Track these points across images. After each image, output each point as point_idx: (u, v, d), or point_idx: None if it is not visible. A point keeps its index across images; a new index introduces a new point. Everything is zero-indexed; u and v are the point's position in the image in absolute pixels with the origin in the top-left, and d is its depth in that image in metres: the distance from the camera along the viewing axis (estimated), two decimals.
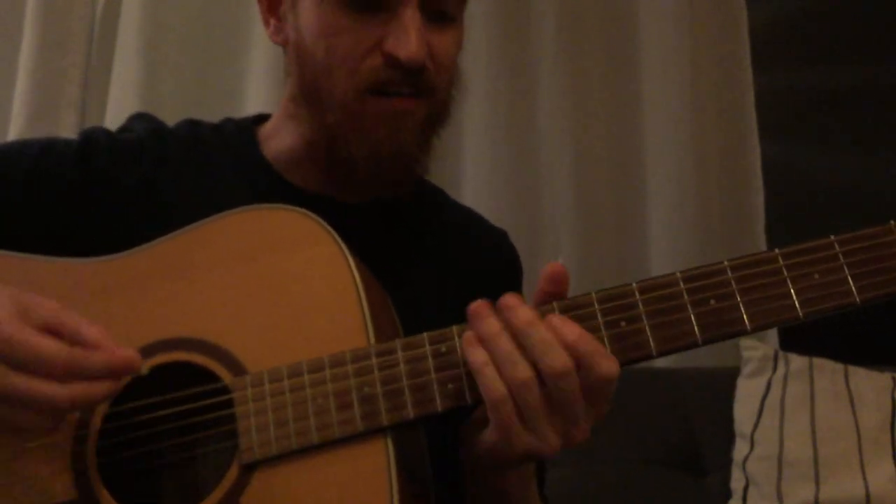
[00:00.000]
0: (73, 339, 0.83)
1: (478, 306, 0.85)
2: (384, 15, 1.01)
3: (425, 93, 1.04)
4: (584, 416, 0.83)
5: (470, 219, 1.25)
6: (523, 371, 0.81)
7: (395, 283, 1.01)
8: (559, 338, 0.81)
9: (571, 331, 0.82)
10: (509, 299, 0.85)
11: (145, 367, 0.87)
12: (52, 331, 0.83)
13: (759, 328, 0.83)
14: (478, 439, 0.88)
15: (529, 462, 0.92)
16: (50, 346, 0.81)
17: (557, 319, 0.83)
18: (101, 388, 0.82)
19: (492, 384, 0.82)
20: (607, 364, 0.82)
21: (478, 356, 0.83)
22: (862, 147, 2.37)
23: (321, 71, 1.03)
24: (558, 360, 0.81)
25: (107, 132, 1.14)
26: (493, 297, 1.14)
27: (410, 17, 1.00)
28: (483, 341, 0.83)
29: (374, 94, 1.02)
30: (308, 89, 1.06)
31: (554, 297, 0.86)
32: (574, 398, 0.82)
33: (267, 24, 1.13)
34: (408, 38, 0.99)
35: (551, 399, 0.82)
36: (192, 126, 1.17)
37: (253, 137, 1.16)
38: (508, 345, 0.82)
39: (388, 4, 1.00)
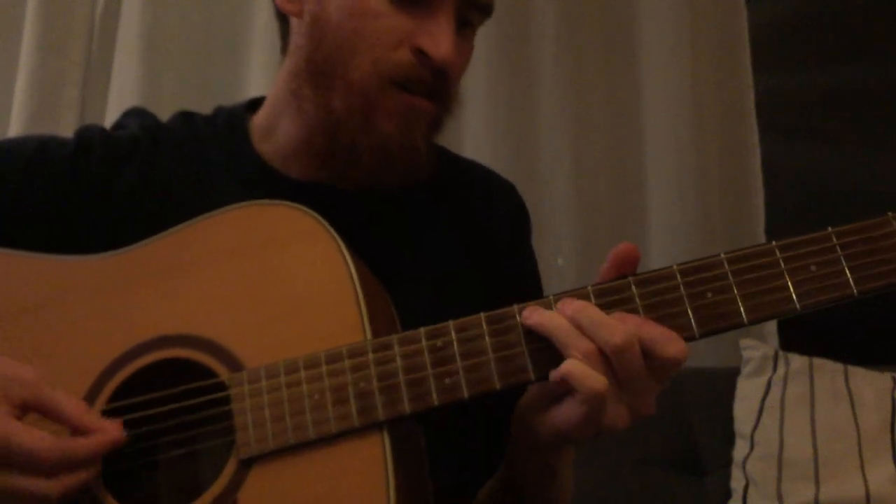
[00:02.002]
0: (54, 419, 0.85)
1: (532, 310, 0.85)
2: (421, 11, 1.01)
3: (439, 97, 1.04)
4: (652, 391, 0.84)
5: (475, 174, 1.23)
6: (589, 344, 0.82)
7: (395, 271, 1.00)
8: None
9: (632, 321, 0.83)
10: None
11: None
12: (31, 408, 0.85)
13: (756, 321, 0.83)
14: (545, 419, 0.88)
15: (596, 438, 0.91)
16: (41, 447, 0.82)
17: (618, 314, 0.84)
18: (89, 473, 0.85)
19: (588, 375, 0.82)
20: (675, 348, 0.82)
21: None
22: (862, 147, 2.37)
23: (342, 51, 1.01)
24: (616, 335, 0.81)
25: (101, 130, 1.14)
26: (503, 253, 1.15)
27: (447, 20, 1.00)
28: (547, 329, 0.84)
29: (395, 86, 1.01)
30: (319, 66, 1.04)
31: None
32: (639, 374, 0.82)
33: None
34: (444, 38, 1.00)
35: (617, 376, 0.82)
36: (185, 119, 1.17)
37: (244, 129, 1.14)
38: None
39: (428, 1, 1.00)
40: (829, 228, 0.83)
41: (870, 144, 2.37)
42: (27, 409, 0.85)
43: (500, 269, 1.12)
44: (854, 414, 1.94)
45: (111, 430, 0.86)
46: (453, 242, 1.14)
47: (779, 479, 1.91)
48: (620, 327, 0.82)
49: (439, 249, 1.13)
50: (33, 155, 1.08)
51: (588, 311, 0.83)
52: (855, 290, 0.81)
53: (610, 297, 0.85)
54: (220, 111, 1.18)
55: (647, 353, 0.82)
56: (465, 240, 1.14)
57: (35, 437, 0.82)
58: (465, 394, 0.84)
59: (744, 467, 1.96)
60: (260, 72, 2.29)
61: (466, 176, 1.21)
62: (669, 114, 2.33)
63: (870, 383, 1.98)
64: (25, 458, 0.82)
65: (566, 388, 0.83)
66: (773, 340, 2.23)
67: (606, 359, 0.82)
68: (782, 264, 0.83)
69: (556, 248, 2.32)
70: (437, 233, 1.14)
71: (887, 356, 2.08)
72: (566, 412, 0.85)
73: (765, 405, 1.99)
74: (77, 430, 0.85)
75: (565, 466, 0.99)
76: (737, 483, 1.97)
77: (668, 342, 0.82)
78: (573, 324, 0.83)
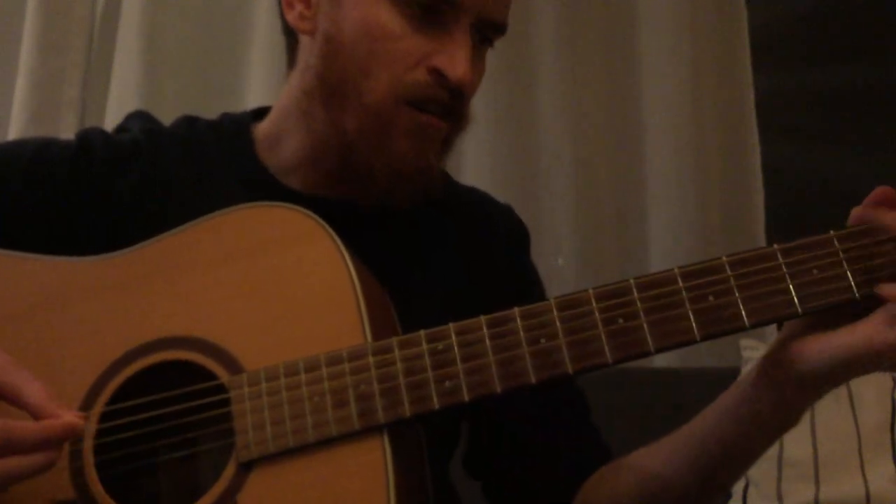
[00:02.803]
0: (14, 403, 0.82)
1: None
2: (437, 31, 1.00)
3: (453, 117, 1.04)
4: None
5: (474, 199, 1.23)
6: None
7: (398, 281, 1.00)
8: None
9: None
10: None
11: (91, 423, 0.87)
12: None
13: (757, 324, 0.83)
14: (825, 345, 0.83)
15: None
16: None
17: None
18: (36, 460, 0.80)
19: None
20: None
21: None
22: (862, 147, 2.36)
23: (357, 72, 1.01)
24: None
25: (103, 133, 1.14)
26: (506, 273, 1.15)
27: (464, 39, 1.00)
28: None
29: (409, 106, 1.01)
30: (332, 86, 1.03)
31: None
32: None
33: (290, 7, 1.08)
34: (461, 58, 0.99)
35: None
36: (188, 124, 1.17)
37: (248, 136, 1.14)
38: None
39: (443, 21, 1.00)
40: (832, 231, 0.83)
41: (870, 144, 2.36)
42: None
43: (502, 290, 1.12)
44: (854, 414, 1.94)
45: (66, 419, 0.81)
46: (459, 262, 1.14)
47: (779, 479, 1.90)
48: None
49: (446, 267, 1.13)
50: (33, 157, 1.08)
51: None
52: (857, 294, 0.81)
53: (611, 301, 0.85)
54: (224, 117, 1.18)
55: None
56: (470, 260, 1.14)
57: None
58: (466, 397, 0.84)
59: None
60: (260, 72, 2.30)
61: (467, 200, 1.22)
62: (669, 114, 2.33)
63: (870, 383, 1.98)
64: None
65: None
66: (774, 340, 2.23)
67: None
68: (784, 268, 0.83)
69: (556, 248, 2.32)
70: (443, 251, 1.14)
71: None
72: (869, 333, 0.80)
73: None
74: (35, 416, 0.81)
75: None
76: (737, 483, 1.97)
77: None
78: None
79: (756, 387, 0.90)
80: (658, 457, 1.02)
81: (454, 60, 0.99)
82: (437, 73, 1.00)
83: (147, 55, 2.31)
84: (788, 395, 0.89)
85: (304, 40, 1.08)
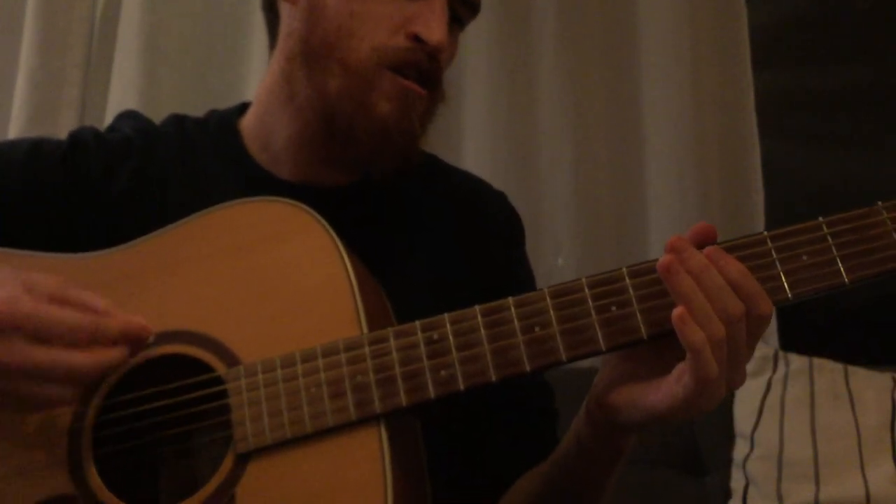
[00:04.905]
0: (82, 309, 0.85)
1: (670, 262, 0.81)
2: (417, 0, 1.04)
3: (432, 86, 1.06)
4: (746, 359, 0.83)
5: (467, 183, 1.24)
6: (718, 324, 0.80)
7: (390, 266, 1.01)
8: (726, 278, 0.80)
9: (735, 268, 0.81)
10: (679, 242, 0.82)
11: (152, 337, 0.90)
12: (58, 302, 0.85)
13: None
14: (638, 399, 0.85)
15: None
16: (73, 315, 0.83)
17: (722, 258, 0.81)
18: (120, 351, 0.86)
19: (708, 359, 0.79)
20: (765, 305, 0.81)
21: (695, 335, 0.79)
22: (862, 147, 2.37)
23: (340, 34, 1.04)
24: (735, 305, 0.80)
25: (95, 132, 1.15)
26: (497, 259, 1.16)
27: (441, 7, 1.04)
28: (686, 299, 0.80)
29: (390, 70, 1.04)
30: (316, 49, 1.06)
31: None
32: (744, 342, 0.81)
33: None
34: (439, 24, 1.03)
35: (728, 347, 0.80)
36: (177, 122, 1.18)
37: (235, 131, 1.15)
38: (704, 299, 0.80)
39: None
40: (820, 218, 0.83)
41: (870, 144, 2.36)
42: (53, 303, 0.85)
43: (495, 276, 1.13)
44: (854, 414, 1.93)
45: (141, 320, 0.88)
46: (450, 247, 1.14)
47: (779, 479, 1.90)
48: (735, 297, 0.80)
49: (436, 252, 1.14)
50: (27, 156, 1.10)
51: (712, 275, 0.80)
52: (846, 279, 0.81)
53: (603, 288, 0.85)
54: (211, 114, 1.20)
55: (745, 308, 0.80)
56: (461, 245, 1.15)
57: (68, 311, 0.83)
58: (461, 386, 0.84)
59: (744, 467, 1.95)
60: (260, 72, 2.29)
61: (461, 185, 1.23)
62: (669, 113, 2.33)
63: (870, 383, 1.98)
64: (63, 330, 0.82)
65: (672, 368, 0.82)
66: (773, 340, 2.23)
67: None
68: (774, 254, 0.83)
69: (556, 248, 2.32)
70: (433, 236, 1.15)
71: (887, 356, 2.07)
72: (669, 392, 0.83)
73: (765, 405, 1.99)
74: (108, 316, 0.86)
75: (627, 451, 0.96)
76: (737, 483, 1.96)
77: (761, 299, 0.81)
78: (700, 286, 0.80)
79: (583, 424, 0.94)
80: (537, 478, 1.05)
81: (432, 26, 1.03)
82: (416, 39, 1.03)
83: (147, 55, 2.31)
84: (611, 435, 0.92)
85: (286, 9, 1.11)
